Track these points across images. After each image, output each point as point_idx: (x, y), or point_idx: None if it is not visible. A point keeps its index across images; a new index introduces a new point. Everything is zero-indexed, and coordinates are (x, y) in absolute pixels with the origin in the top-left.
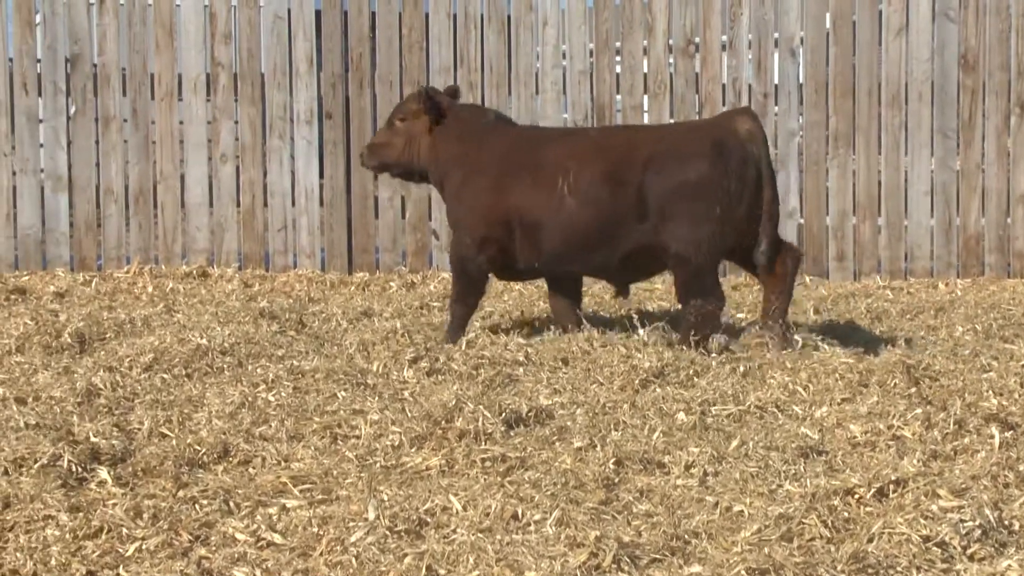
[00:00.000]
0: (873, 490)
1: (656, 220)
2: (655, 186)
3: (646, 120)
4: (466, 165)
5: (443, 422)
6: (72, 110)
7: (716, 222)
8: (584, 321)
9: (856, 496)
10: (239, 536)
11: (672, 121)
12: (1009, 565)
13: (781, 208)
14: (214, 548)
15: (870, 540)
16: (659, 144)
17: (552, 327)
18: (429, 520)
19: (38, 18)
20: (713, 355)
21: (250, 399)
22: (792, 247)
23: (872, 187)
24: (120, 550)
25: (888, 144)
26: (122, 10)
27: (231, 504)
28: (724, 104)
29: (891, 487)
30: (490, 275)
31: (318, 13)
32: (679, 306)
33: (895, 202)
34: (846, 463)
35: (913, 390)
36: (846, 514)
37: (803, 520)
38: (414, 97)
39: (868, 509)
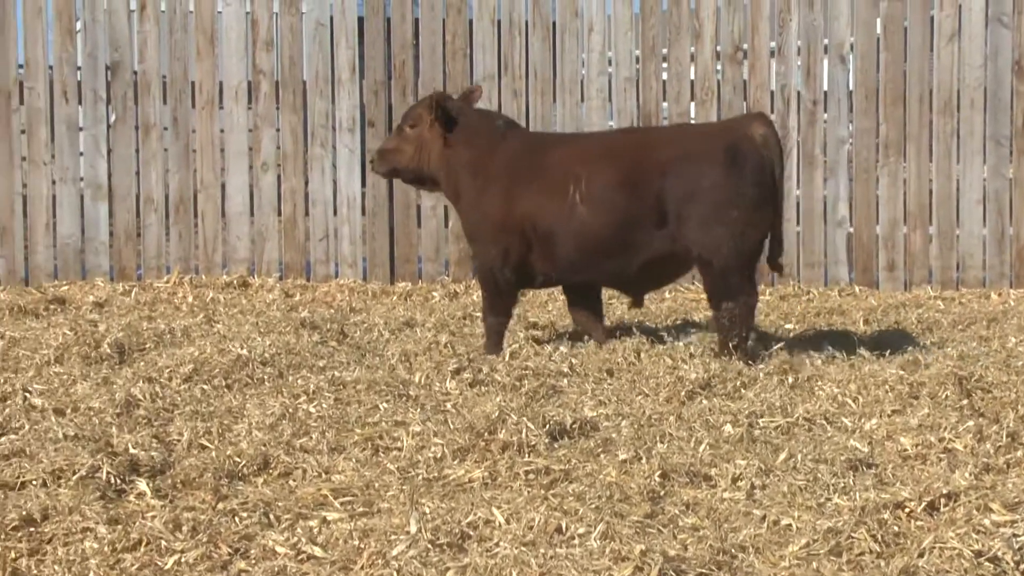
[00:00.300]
0: (924, 504)
1: (674, 225)
2: (672, 191)
3: None
4: (481, 172)
5: (486, 434)
6: (112, 118)
7: (735, 223)
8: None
9: (906, 510)
10: (279, 549)
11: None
12: None
13: (830, 216)
14: (254, 561)
15: (921, 555)
16: (674, 148)
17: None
18: (471, 533)
19: (78, 25)
20: (751, 357)
21: (291, 410)
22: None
23: (923, 195)
24: (159, 563)
25: (939, 152)
26: (163, 17)
27: (271, 517)
28: (773, 112)
29: (942, 501)
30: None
31: (360, 20)
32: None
33: (946, 211)
34: (896, 476)
35: (965, 402)
36: (896, 528)
37: (852, 534)
38: (424, 102)
39: (919, 523)
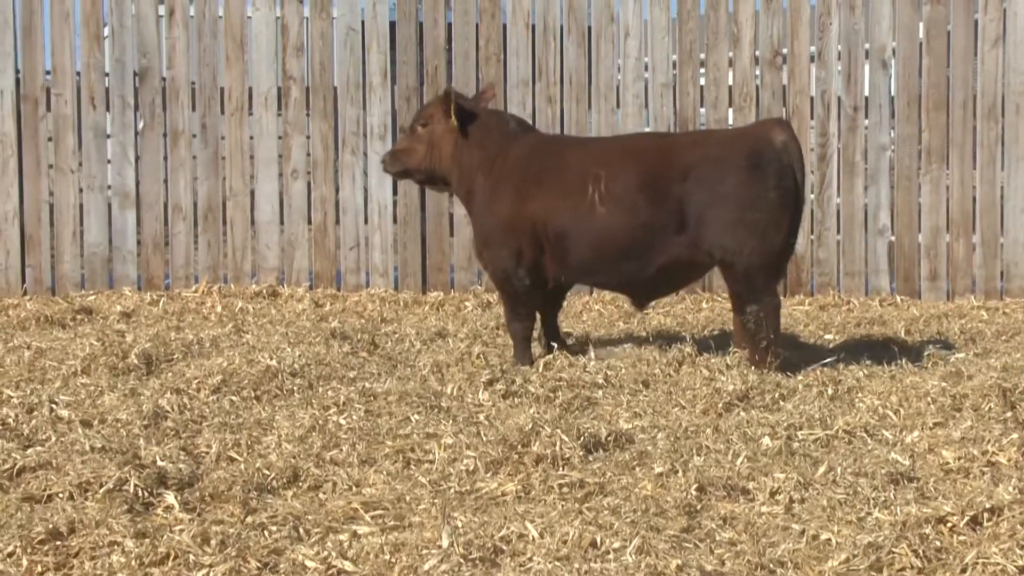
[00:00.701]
0: (967, 518)
1: (695, 229)
2: (693, 195)
3: None
4: (493, 173)
5: (519, 446)
6: (140, 125)
7: (757, 226)
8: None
9: (949, 525)
10: (309, 564)
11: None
12: None
13: (871, 225)
14: None
15: (963, 571)
16: (694, 152)
17: (631, 346)
18: (504, 548)
19: (106, 31)
20: (780, 356)
21: (321, 422)
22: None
23: (966, 203)
24: None
25: (983, 159)
26: (192, 23)
27: (301, 531)
28: (812, 118)
29: (985, 515)
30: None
31: (392, 25)
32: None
33: (990, 219)
34: (938, 490)
35: (1009, 414)
36: (938, 543)
37: (893, 549)
38: (436, 101)
39: (961, 538)
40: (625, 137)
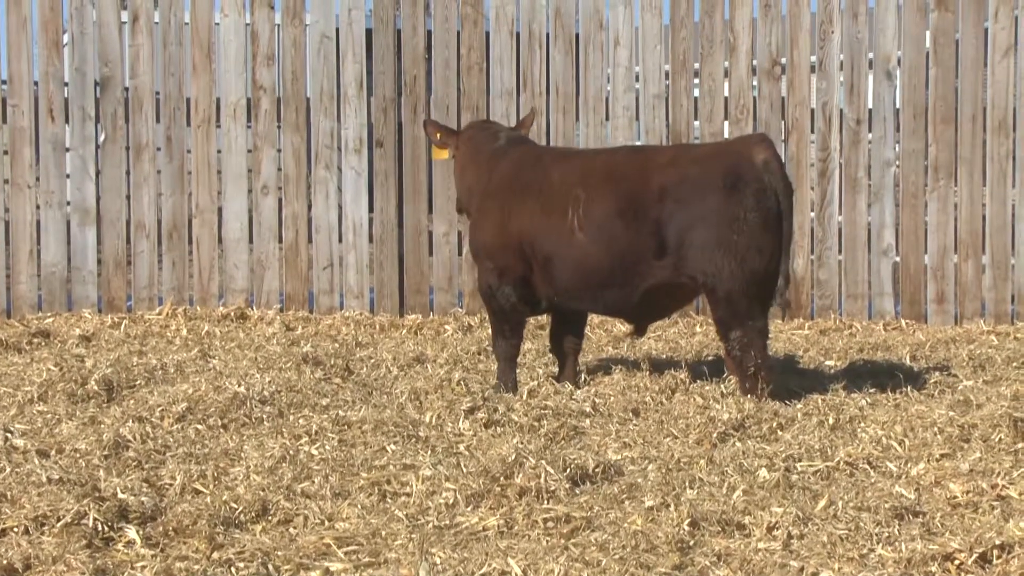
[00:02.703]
0: (975, 555)
1: (675, 253)
2: (672, 218)
3: None
4: (479, 188)
5: (502, 478)
6: (101, 138)
7: (738, 250)
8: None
9: (956, 562)
10: None
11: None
12: None
13: (875, 244)
14: None
15: None
16: (670, 172)
17: (621, 372)
18: None
19: (66, 38)
20: (772, 380)
21: (291, 452)
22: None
23: (976, 222)
24: None
25: (994, 175)
26: (156, 29)
27: (270, 567)
28: (813, 131)
29: (995, 552)
30: (524, 306)
31: (369, 32)
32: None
33: (1001, 239)
34: (945, 526)
35: (1020, 445)
36: None
37: None
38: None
39: None
40: (604, 152)
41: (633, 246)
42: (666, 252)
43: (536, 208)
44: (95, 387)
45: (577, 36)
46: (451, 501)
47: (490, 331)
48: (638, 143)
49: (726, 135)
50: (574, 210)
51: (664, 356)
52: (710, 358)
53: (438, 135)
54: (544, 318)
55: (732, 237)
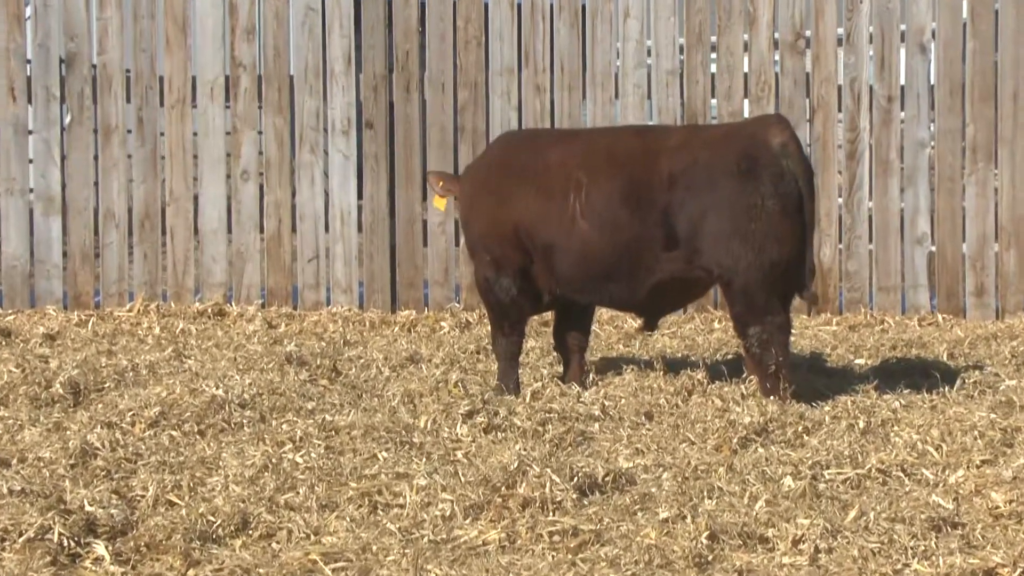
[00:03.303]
0: (1019, 570)
1: (686, 244)
2: (682, 206)
3: None
4: (469, 176)
5: (503, 488)
6: (67, 119)
7: (755, 239)
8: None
9: None
10: None
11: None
12: None
13: (908, 232)
14: None
15: None
16: (680, 157)
17: (632, 372)
18: None
19: (28, 11)
20: (795, 387)
21: (274, 461)
22: None
23: (1018, 208)
24: None
25: None
26: (127, 2)
27: None
28: (840, 110)
29: None
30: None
31: (357, 4)
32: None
33: None
34: (986, 538)
35: None
36: None
37: None
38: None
39: None
40: (608, 132)
41: (639, 235)
42: (677, 242)
43: (533, 193)
44: (60, 390)
45: (584, 7)
46: (448, 513)
47: (489, 328)
48: (650, 123)
49: (746, 114)
50: (576, 196)
51: (680, 354)
52: (729, 356)
53: (440, 183)
54: (549, 314)
55: (749, 226)
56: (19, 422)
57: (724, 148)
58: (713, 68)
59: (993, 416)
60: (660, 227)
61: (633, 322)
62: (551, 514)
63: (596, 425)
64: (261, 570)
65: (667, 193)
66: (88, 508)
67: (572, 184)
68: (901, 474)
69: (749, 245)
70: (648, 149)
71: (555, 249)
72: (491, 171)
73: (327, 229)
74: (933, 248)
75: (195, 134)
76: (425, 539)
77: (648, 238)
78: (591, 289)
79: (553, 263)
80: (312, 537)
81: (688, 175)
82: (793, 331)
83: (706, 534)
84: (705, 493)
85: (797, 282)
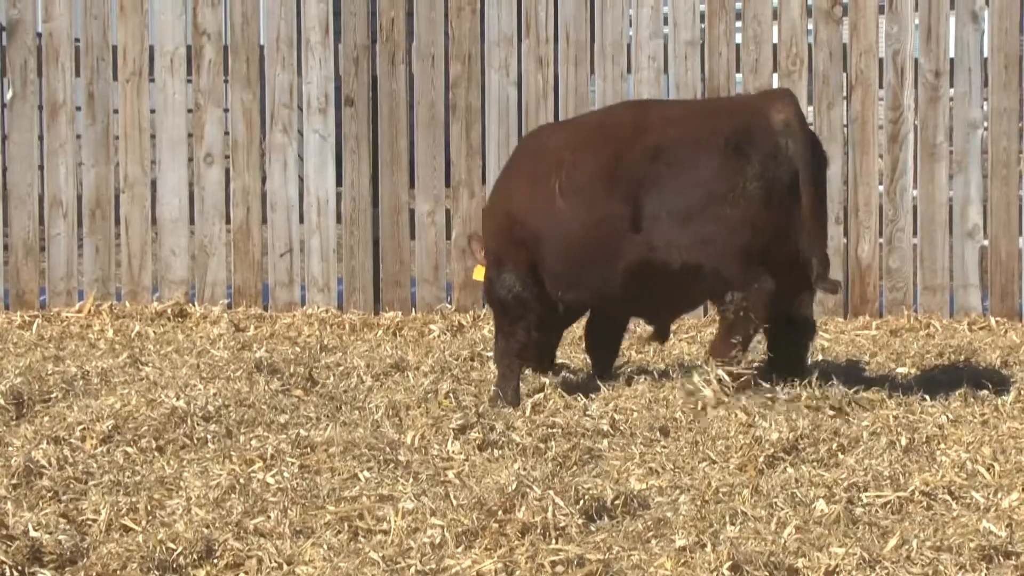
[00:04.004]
0: None
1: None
2: (659, 184)
3: None
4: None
5: (500, 512)
6: (8, 95)
7: (728, 225)
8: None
9: None
10: None
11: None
12: None
13: (957, 225)
14: None
15: None
16: (669, 131)
17: (645, 383)
18: None
19: None
20: (743, 367)
21: (242, 481)
22: None
23: None
24: None
25: None
26: None
27: None
28: (882, 86)
29: None
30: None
31: None
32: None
33: None
34: None
35: None
36: None
37: None
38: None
39: None
40: (610, 108)
41: (612, 216)
42: (648, 224)
43: (523, 180)
44: (1, 401)
45: None
46: (438, 540)
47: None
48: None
49: None
50: (556, 177)
51: (699, 362)
52: (755, 364)
53: (483, 251)
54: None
55: (724, 210)
56: None
57: (716, 122)
58: (738, 38)
59: None
60: (632, 206)
61: (647, 326)
62: (554, 542)
63: (605, 442)
64: None
65: (647, 167)
66: (33, 533)
67: (555, 164)
68: (948, 497)
69: (720, 231)
70: (639, 124)
71: (539, 236)
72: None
73: (302, 220)
74: (985, 242)
75: (152, 111)
76: (412, 569)
77: (619, 217)
78: (570, 280)
79: (539, 253)
80: (285, 567)
81: (672, 151)
82: (827, 335)
83: (728, 564)
84: (727, 518)
85: (798, 277)
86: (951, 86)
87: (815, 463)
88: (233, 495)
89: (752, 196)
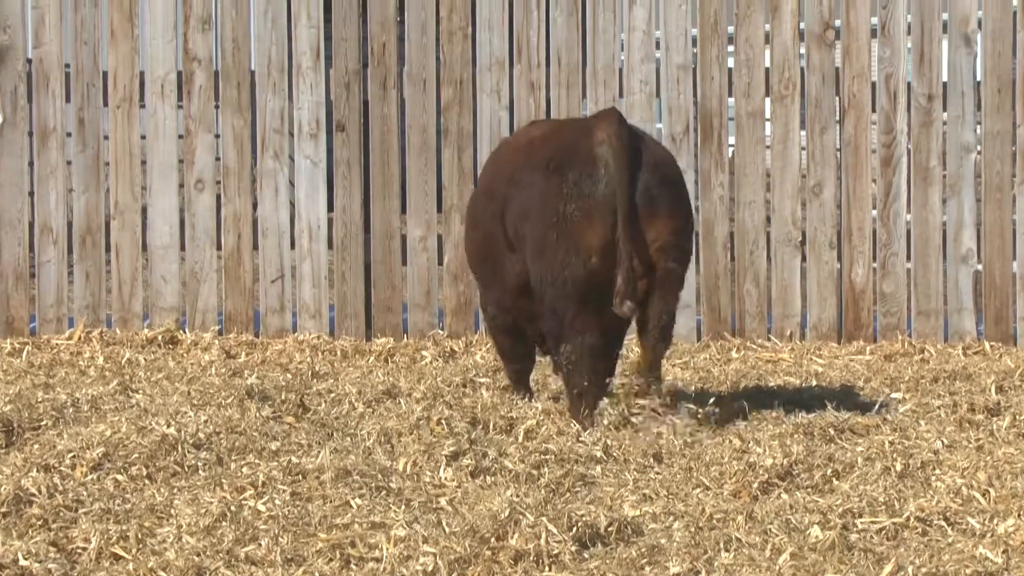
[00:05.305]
0: None
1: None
2: (510, 206)
3: (768, 132)
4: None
5: (493, 540)
6: None
7: (557, 249)
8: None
9: None
10: None
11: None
12: None
13: (951, 249)
14: None
15: None
16: (528, 152)
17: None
18: None
19: None
20: (599, 417)
21: (233, 508)
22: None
23: None
24: None
25: None
26: None
27: None
28: (875, 110)
29: None
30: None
31: None
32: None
33: None
34: None
35: None
36: None
37: None
38: None
39: None
40: (530, 125)
41: (497, 239)
42: (514, 248)
43: (481, 200)
44: None
45: None
46: (430, 568)
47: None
48: (658, 126)
49: (767, 115)
50: (489, 200)
51: (692, 388)
52: (750, 389)
53: None
54: None
55: (550, 234)
56: None
57: (548, 143)
58: (731, 62)
59: None
60: (501, 226)
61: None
62: (547, 569)
63: (598, 468)
64: None
65: (505, 189)
66: (23, 562)
67: (481, 185)
68: (943, 523)
69: (548, 253)
70: (518, 143)
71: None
72: None
73: (293, 245)
74: (979, 267)
75: (143, 137)
76: None
77: (498, 238)
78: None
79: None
80: None
81: (521, 171)
82: (821, 361)
83: None
84: (721, 545)
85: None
86: (944, 110)
87: (810, 489)
88: (224, 523)
89: (572, 216)
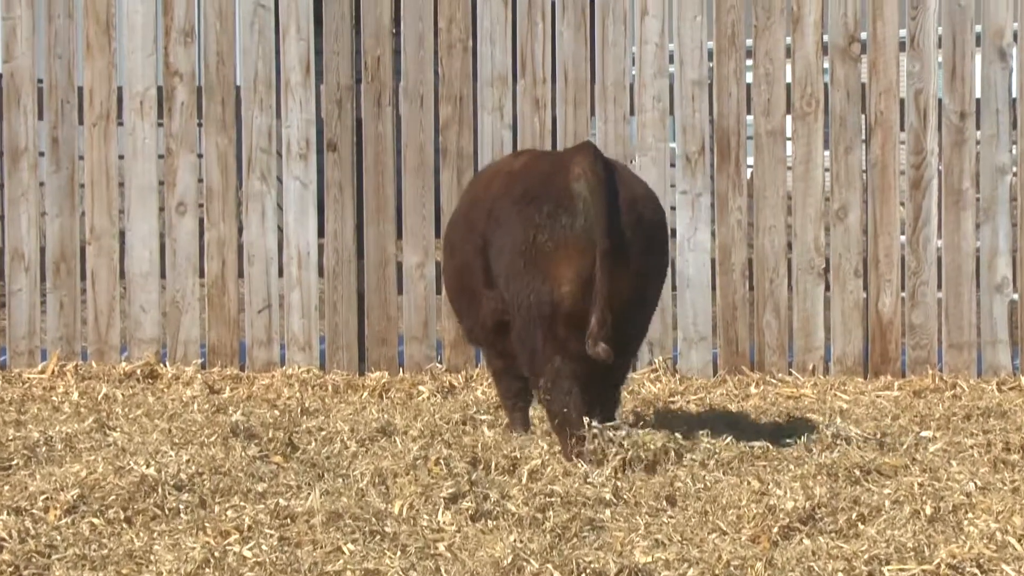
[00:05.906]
0: None
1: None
2: (491, 240)
3: (790, 152)
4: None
5: None
6: None
7: (525, 276)
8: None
9: None
10: None
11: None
12: None
13: (985, 278)
14: None
15: None
16: (505, 183)
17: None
18: None
19: None
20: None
21: (217, 554)
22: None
23: None
24: None
25: None
26: None
27: None
28: (903, 128)
29: None
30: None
31: (318, 1)
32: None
33: None
34: None
35: None
36: None
37: None
38: None
39: None
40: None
41: (475, 272)
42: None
43: (461, 229)
44: None
45: (592, 5)
46: None
47: None
48: (672, 145)
49: (789, 134)
50: (469, 230)
51: (708, 424)
52: (769, 426)
53: None
54: None
55: (518, 261)
56: None
57: (523, 176)
58: (749, 77)
59: None
60: (482, 259)
61: (651, 387)
62: None
63: (607, 511)
64: None
65: (484, 224)
66: None
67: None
68: (976, 571)
69: (516, 280)
70: (498, 174)
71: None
72: None
73: (281, 273)
74: (1015, 296)
75: (121, 157)
76: None
77: (476, 271)
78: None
79: None
80: None
81: (499, 204)
82: (847, 396)
83: None
84: None
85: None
86: (977, 128)
87: (833, 534)
88: (207, 569)
89: (544, 246)
